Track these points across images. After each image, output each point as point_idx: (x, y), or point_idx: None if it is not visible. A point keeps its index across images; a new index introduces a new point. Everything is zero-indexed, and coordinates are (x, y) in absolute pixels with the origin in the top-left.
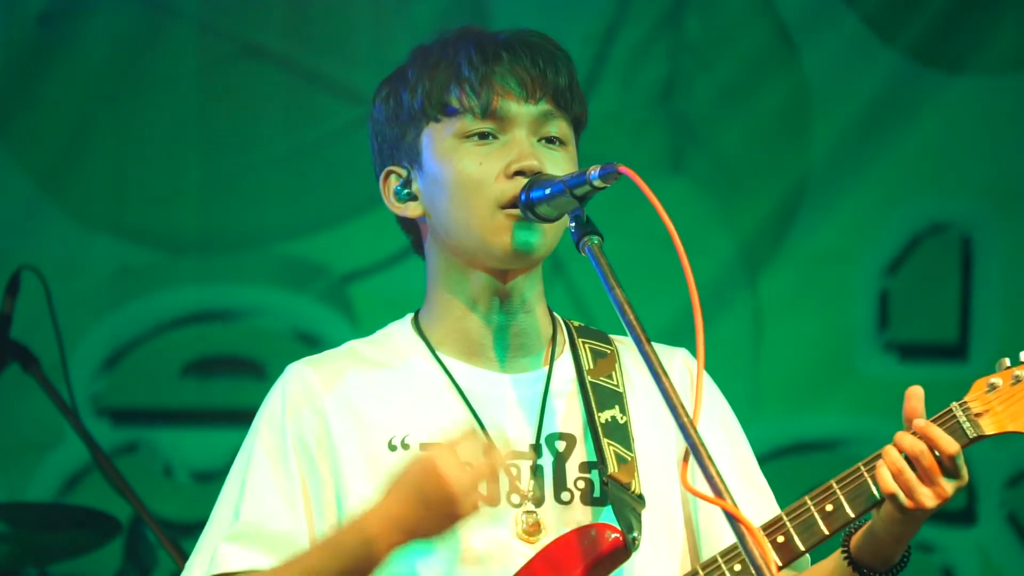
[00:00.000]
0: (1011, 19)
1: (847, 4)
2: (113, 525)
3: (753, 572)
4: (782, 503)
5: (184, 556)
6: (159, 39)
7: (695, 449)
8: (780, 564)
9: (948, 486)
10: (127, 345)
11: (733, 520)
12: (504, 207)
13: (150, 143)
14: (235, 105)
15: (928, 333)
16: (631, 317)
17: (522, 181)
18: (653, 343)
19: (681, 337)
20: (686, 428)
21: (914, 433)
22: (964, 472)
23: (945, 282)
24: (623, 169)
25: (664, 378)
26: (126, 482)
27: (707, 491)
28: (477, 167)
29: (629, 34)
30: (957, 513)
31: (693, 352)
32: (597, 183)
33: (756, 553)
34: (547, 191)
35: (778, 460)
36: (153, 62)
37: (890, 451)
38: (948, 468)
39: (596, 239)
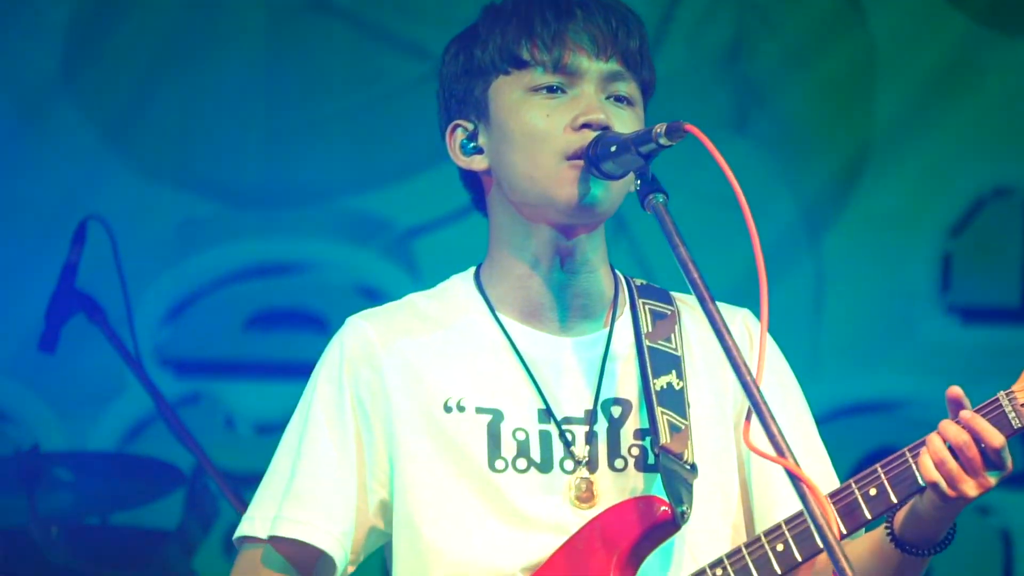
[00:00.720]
0: None
1: None
2: (175, 475)
3: (815, 533)
4: (841, 465)
5: (246, 507)
6: None
7: (758, 408)
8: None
9: (991, 477)
10: (191, 296)
11: (795, 479)
12: (570, 158)
13: (216, 96)
14: (301, 59)
15: (990, 296)
16: (695, 276)
17: (589, 134)
18: (716, 302)
19: (744, 297)
20: (749, 387)
21: (959, 422)
22: (1008, 463)
23: (1008, 246)
24: (689, 127)
25: (728, 336)
26: (189, 432)
27: (769, 451)
28: (544, 119)
29: None
30: (1016, 475)
31: (756, 313)
32: (663, 140)
33: (818, 513)
34: (613, 147)
35: (838, 421)
36: (221, 15)
37: (934, 439)
38: (993, 460)
39: (661, 197)
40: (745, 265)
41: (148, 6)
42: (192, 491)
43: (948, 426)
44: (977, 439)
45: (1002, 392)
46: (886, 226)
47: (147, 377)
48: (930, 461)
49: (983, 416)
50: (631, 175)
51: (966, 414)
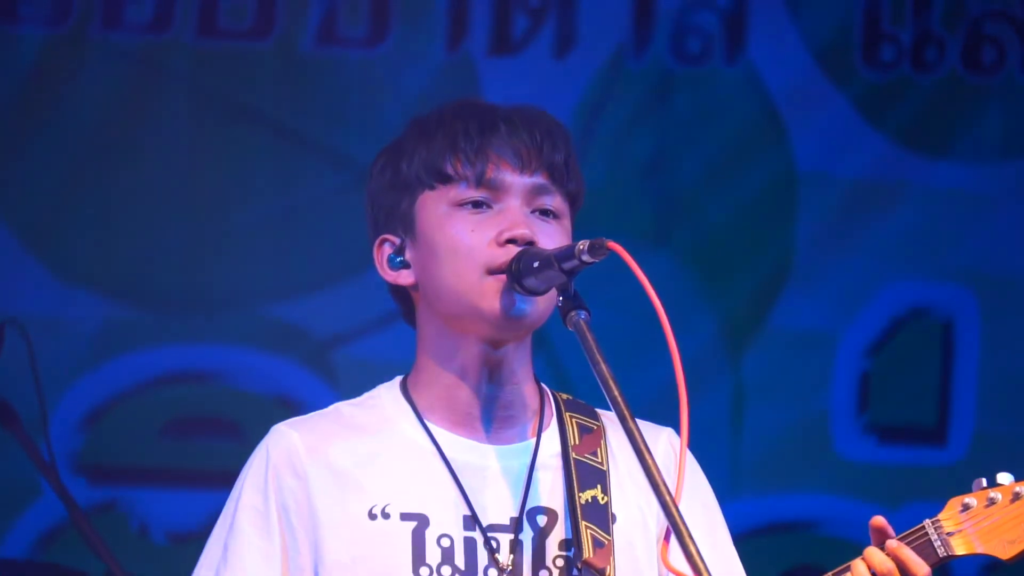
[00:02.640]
0: (996, 109)
1: (836, 86)
2: None
3: None
4: None
5: None
6: (150, 98)
7: (676, 528)
8: None
9: None
10: (107, 403)
11: None
12: (493, 272)
13: (137, 201)
14: (224, 166)
15: (907, 416)
16: (616, 393)
17: (513, 249)
18: (639, 420)
19: (664, 414)
20: (667, 507)
21: (885, 550)
22: None
23: (925, 366)
24: (611, 245)
25: (647, 455)
26: (101, 540)
27: (687, 572)
28: (469, 233)
29: (617, 109)
30: None
31: (678, 431)
32: (585, 258)
33: None
34: (535, 263)
35: (755, 539)
36: (143, 119)
37: (859, 566)
38: None
39: (583, 314)
40: (666, 379)
41: (69, 110)
42: None
43: (873, 554)
44: (903, 569)
45: (928, 520)
46: (805, 344)
47: (60, 483)
48: None
49: (908, 545)
50: (554, 291)
51: (892, 543)
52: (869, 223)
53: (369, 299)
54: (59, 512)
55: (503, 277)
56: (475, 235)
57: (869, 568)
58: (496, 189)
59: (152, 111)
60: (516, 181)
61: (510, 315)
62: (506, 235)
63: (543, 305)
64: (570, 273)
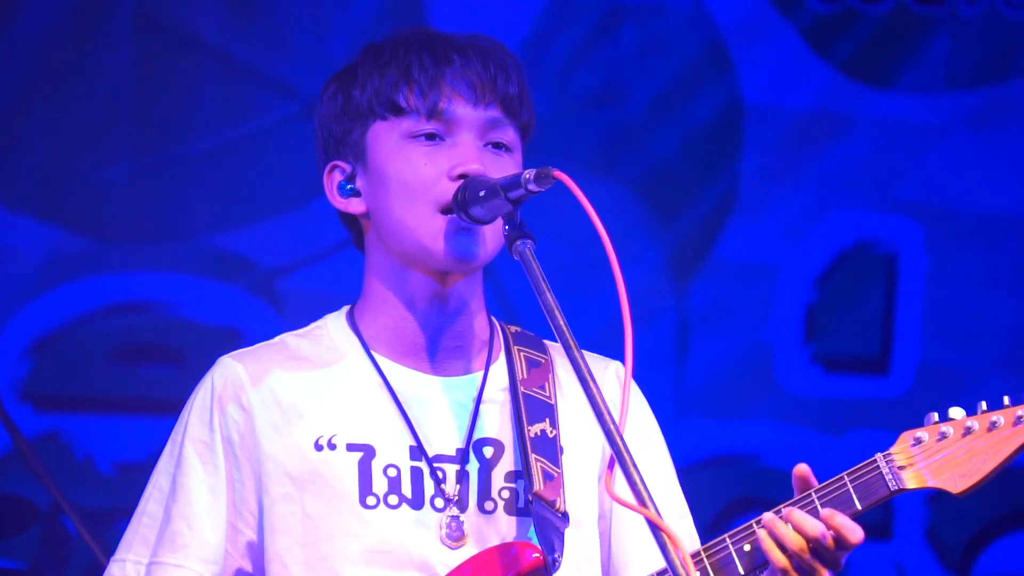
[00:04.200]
0: (943, 40)
1: (785, 17)
2: (32, 512)
3: None
4: (704, 515)
5: (103, 547)
6: (94, 27)
7: (620, 458)
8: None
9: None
10: (53, 332)
11: (657, 530)
12: (444, 211)
13: (82, 132)
14: (169, 95)
15: (851, 348)
16: (560, 323)
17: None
18: (587, 352)
19: (610, 344)
20: (612, 436)
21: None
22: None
23: (870, 298)
24: (557, 174)
25: (591, 384)
26: (45, 470)
27: (632, 501)
28: (421, 167)
29: (566, 39)
30: (873, 528)
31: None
32: (532, 187)
33: (679, 564)
34: (482, 192)
35: (700, 471)
36: (88, 50)
37: (766, 539)
38: (831, 558)
39: (528, 243)
40: (613, 310)
41: (12, 39)
42: (47, 529)
43: (802, 518)
44: (837, 536)
45: (879, 454)
46: (750, 275)
47: (5, 412)
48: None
49: (860, 478)
50: (499, 220)
51: (826, 512)
52: (815, 155)
53: (316, 229)
54: (3, 440)
55: (453, 216)
56: (427, 168)
57: (780, 537)
58: (449, 122)
59: (97, 40)
60: (469, 114)
61: (459, 255)
62: (458, 170)
63: (491, 244)
64: (516, 202)
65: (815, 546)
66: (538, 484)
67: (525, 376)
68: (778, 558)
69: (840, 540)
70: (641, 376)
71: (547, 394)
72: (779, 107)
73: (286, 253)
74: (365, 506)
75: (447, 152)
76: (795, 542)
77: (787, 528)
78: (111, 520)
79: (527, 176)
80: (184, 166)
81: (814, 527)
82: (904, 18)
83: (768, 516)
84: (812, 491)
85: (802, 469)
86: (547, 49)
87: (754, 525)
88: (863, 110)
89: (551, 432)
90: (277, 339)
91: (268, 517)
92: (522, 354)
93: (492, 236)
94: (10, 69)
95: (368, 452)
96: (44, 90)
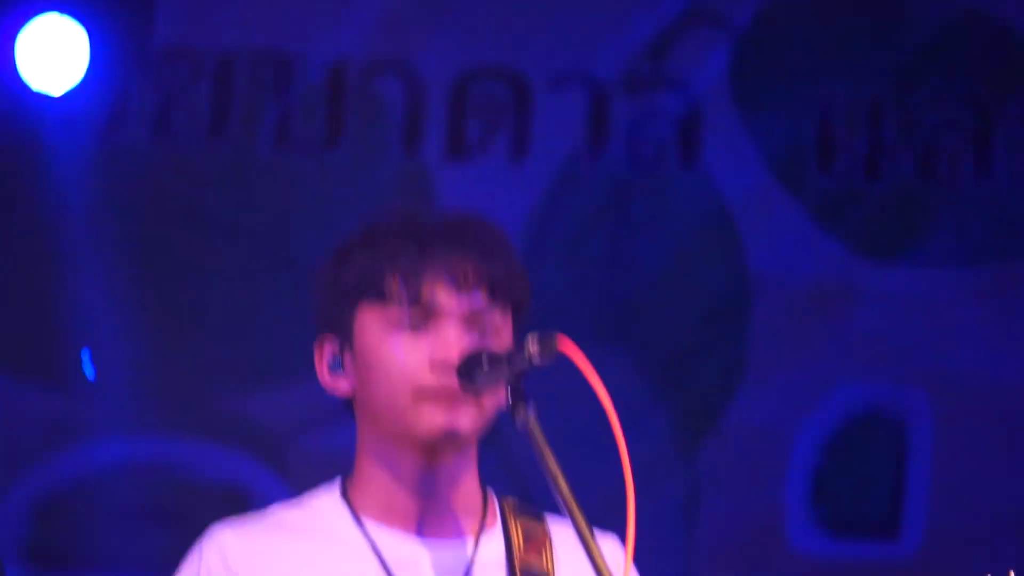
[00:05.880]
0: (949, 217)
1: (791, 192)
2: None
3: None
4: None
5: None
6: (104, 199)
7: None
8: None
9: None
10: (57, 493)
11: None
12: (427, 400)
13: (92, 300)
14: (179, 269)
15: (861, 512)
16: (564, 489)
17: (448, 374)
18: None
19: (614, 513)
20: None
21: None
22: None
23: (879, 464)
24: (562, 348)
25: (594, 549)
26: None
27: None
28: (402, 356)
29: (572, 213)
30: None
31: (622, 537)
32: (536, 363)
33: None
34: (485, 365)
35: None
36: (97, 220)
37: None
38: None
39: (531, 411)
40: (618, 477)
41: (22, 210)
42: None
43: None
44: None
45: None
46: (759, 441)
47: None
48: None
49: None
50: (500, 388)
51: None
52: (823, 326)
53: (319, 395)
54: None
55: (436, 399)
56: (409, 358)
57: None
58: (431, 310)
59: (106, 211)
60: (452, 302)
61: (447, 434)
62: (438, 360)
63: (482, 416)
64: (518, 374)
65: None
66: None
67: (522, 547)
68: None
69: None
70: (649, 541)
71: (543, 565)
72: (786, 280)
73: (292, 417)
74: None
75: (429, 341)
76: None
77: None
78: None
79: (532, 350)
80: (194, 331)
81: None
82: (910, 196)
83: None
84: None
85: None
86: (554, 222)
87: None
88: (870, 283)
89: None
90: (268, 510)
91: None
92: (519, 525)
93: (481, 410)
94: (13, 241)
95: None
96: (52, 260)
